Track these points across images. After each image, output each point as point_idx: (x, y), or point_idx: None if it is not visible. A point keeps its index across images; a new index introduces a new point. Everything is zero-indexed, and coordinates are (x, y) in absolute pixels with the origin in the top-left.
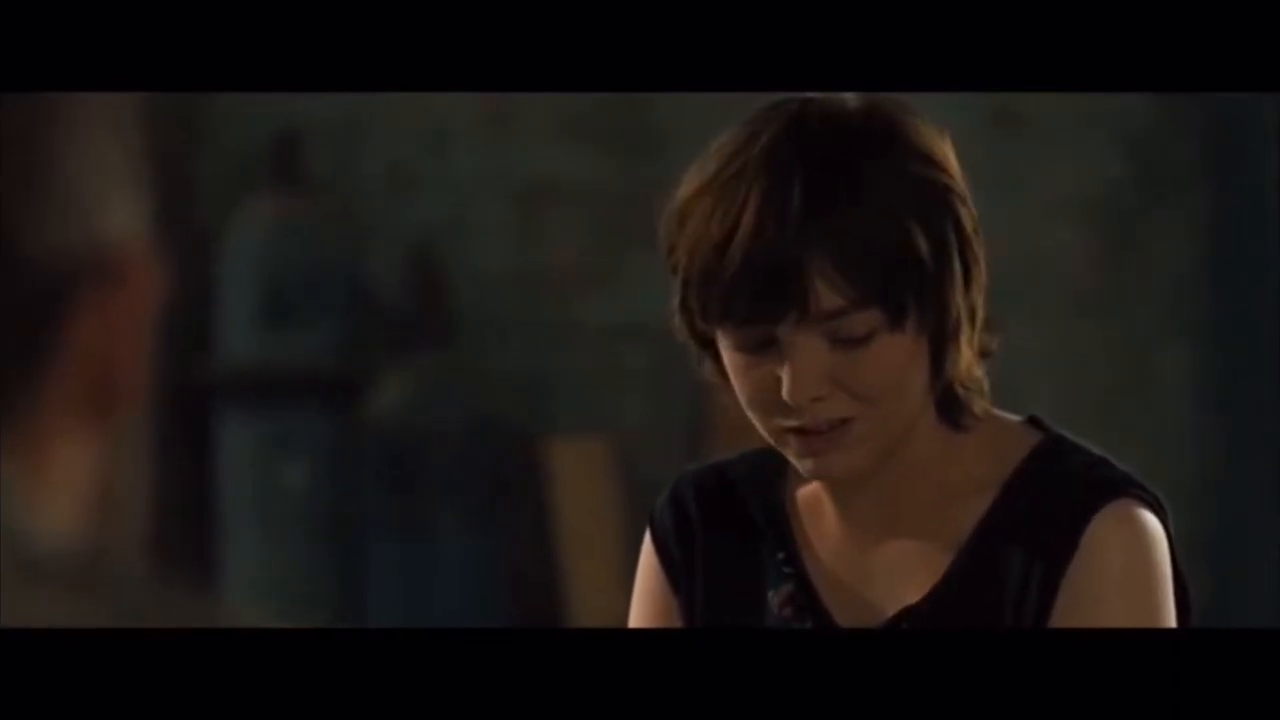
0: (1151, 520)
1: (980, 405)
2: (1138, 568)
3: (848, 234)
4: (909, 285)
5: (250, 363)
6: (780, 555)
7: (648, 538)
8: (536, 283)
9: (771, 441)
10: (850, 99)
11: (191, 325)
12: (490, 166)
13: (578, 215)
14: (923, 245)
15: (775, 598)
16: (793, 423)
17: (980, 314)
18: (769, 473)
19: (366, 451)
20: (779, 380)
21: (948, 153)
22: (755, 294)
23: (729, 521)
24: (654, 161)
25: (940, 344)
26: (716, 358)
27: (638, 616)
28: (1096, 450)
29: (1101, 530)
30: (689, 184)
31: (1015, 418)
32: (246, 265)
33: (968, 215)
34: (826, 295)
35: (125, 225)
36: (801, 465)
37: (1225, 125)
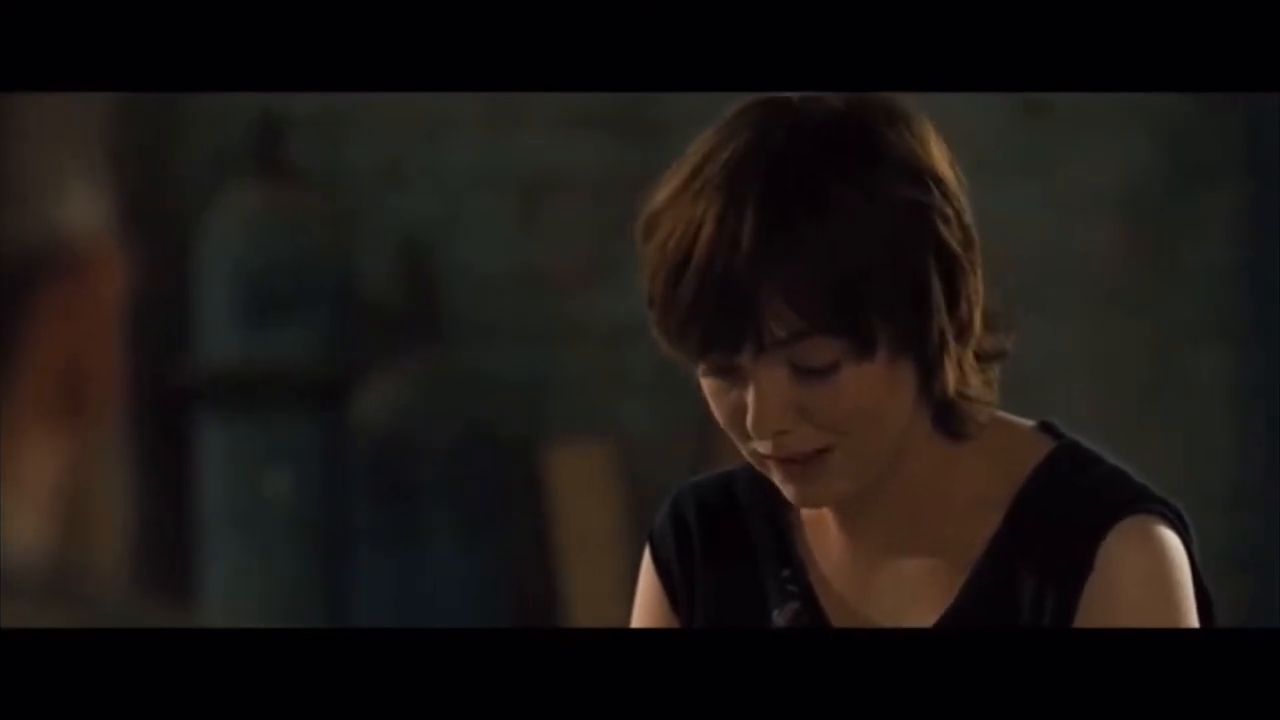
0: (1169, 537)
1: (985, 413)
2: (1155, 588)
3: (799, 263)
4: (874, 313)
5: (231, 364)
6: (785, 572)
7: (647, 554)
8: (535, 280)
9: (754, 465)
10: (831, 101)
11: (169, 324)
12: (486, 158)
13: (578, 210)
14: (890, 271)
15: (780, 616)
16: (765, 451)
17: (975, 326)
18: (772, 486)
19: (355, 458)
20: (746, 408)
21: (935, 162)
22: (708, 326)
23: (731, 537)
24: (659, 153)
25: (925, 365)
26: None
27: None
28: (1111, 459)
29: (1116, 550)
30: (658, 193)
31: (1027, 423)
32: (228, 261)
33: (954, 230)
34: (777, 326)
35: (87, 217)
36: (785, 491)
37: (1264, 115)
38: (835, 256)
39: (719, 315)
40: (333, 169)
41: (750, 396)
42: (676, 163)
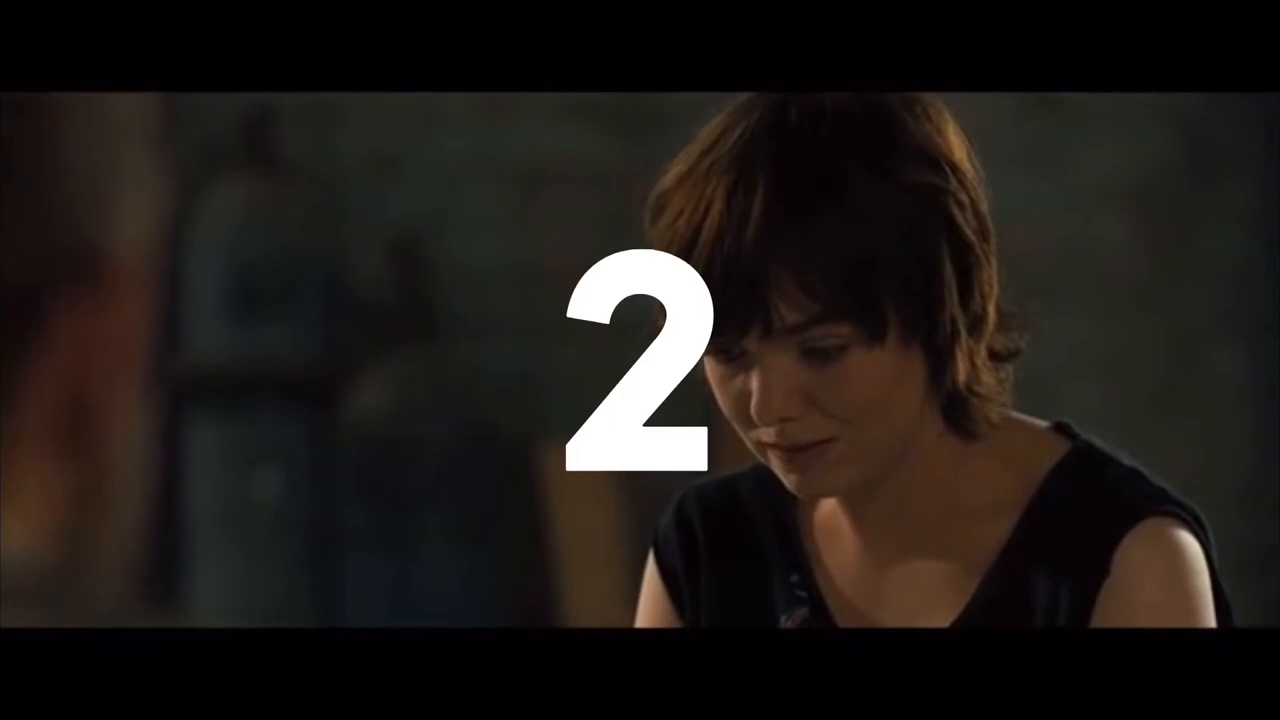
0: (1187, 540)
1: (997, 413)
2: (1173, 593)
3: (810, 244)
4: (886, 298)
5: (218, 361)
6: (794, 578)
7: (651, 560)
8: (531, 275)
9: (757, 455)
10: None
11: (156, 320)
12: (481, 151)
13: (576, 202)
14: (903, 255)
15: (788, 622)
16: (769, 439)
17: (990, 320)
18: (779, 487)
19: (346, 459)
20: (751, 394)
21: (952, 149)
22: (716, 306)
23: (737, 541)
24: (657, 147)
25: (935, 356)
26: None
27: None
28: (1128, 461)
29: (1133, 553)
30: (668, 175)
31: (1041, 423)
32: (214, 255)
33: (969, 218)
34: (787, 309)
35: (131, 232)
36: (787, 481)
37: (1279, 109)
38: (846, 238)
39: (727, 295)
40: (324, 161)
41: (756, 381)
42: (683, 150)
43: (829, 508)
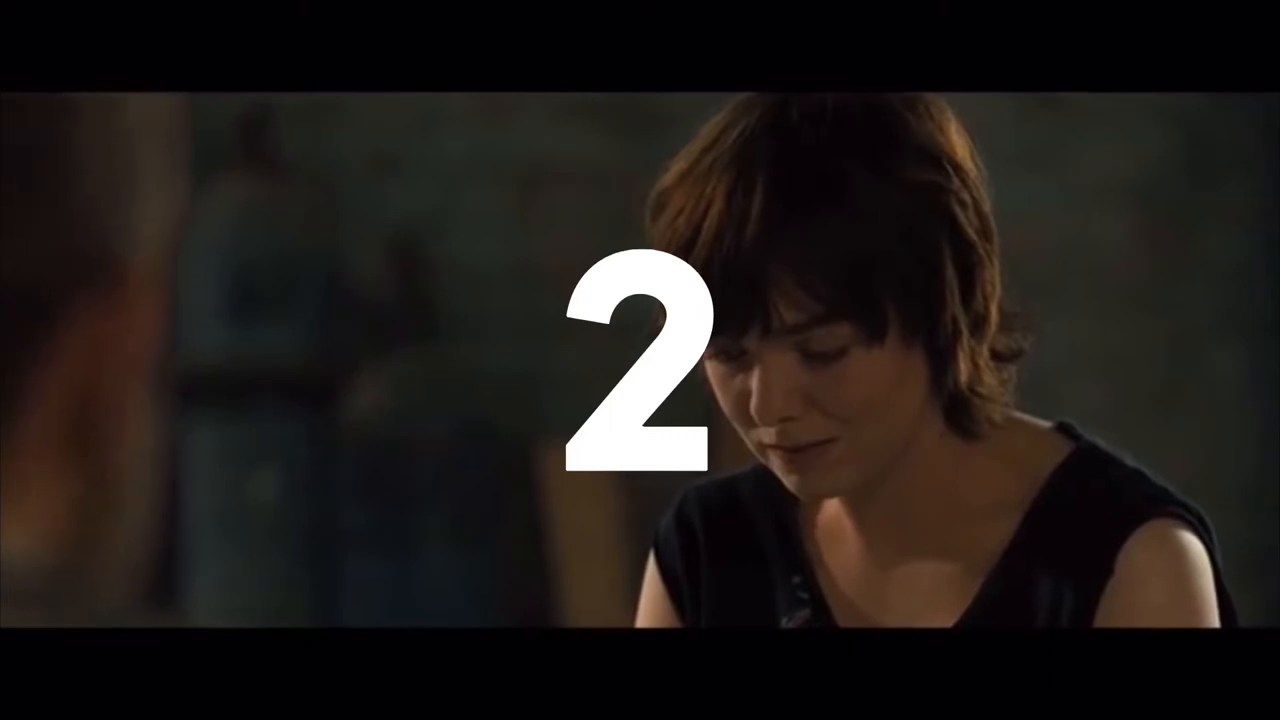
0: (1191, 542)
1: (999, 413)
2: (1177, 595)
3: (810, 244)
4: (886, 297)
5: (217, 361)
6: (795, 579)
7: (651, 561)
8: (531, 275)
9: (757, 455)
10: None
11: (163, 323)
12: (482, 149)
13: (576, 202)
14: (904, 255)
15: (790, 624)
16: (770, 439)
17: (992, 320)
18: (779, 488)
19: (346, 459)
20: (751, 394)
21: (954, 148)
22: (716, 305)
23: (738, 543)
24: (659, 145)
25: (936, 356)
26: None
27: None
28: (1131, 462)
29: (1136, 555)
30: (669, 172)
31: (1044, 424)
32: (213, 255)
33: (970, 217)
34: (787, 309)
35: (149, 239)
36: (787, 482)
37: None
38: (847, 238)
39: (726, 294)
40: (323, 161)
41: (756, 381)
42: (684, 149)
43: (830, 508)
